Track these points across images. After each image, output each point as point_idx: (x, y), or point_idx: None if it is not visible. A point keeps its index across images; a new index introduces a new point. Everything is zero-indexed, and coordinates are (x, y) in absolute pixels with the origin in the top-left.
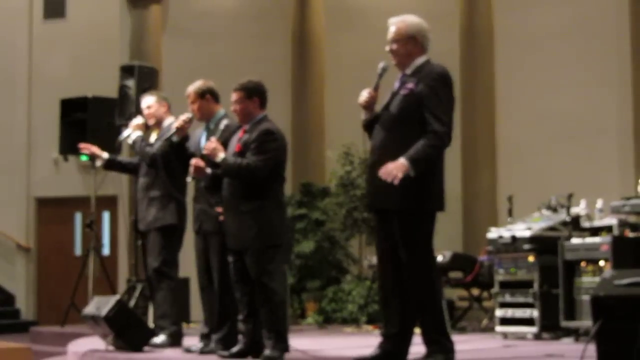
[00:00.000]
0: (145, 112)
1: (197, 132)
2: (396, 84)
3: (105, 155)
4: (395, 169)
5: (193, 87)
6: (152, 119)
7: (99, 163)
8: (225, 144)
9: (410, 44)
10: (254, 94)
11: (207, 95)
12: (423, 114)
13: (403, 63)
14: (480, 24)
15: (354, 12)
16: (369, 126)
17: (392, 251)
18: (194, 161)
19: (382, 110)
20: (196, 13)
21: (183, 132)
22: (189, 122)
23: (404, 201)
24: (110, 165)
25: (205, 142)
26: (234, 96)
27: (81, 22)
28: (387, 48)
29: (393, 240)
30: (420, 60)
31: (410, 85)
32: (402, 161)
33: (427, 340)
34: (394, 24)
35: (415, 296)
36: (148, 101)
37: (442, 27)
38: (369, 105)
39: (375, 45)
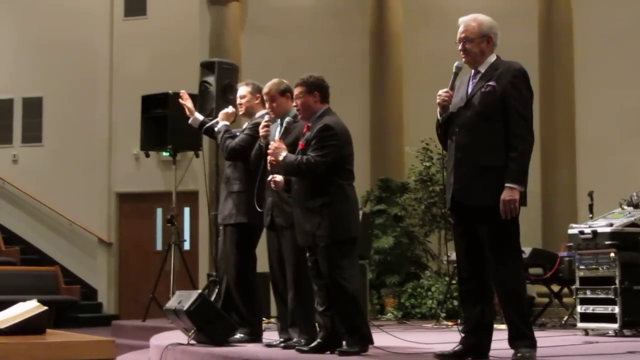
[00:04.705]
0: (238, 101)
1: (272, 127)
2: (470, 83)
3: (198, 116)
4: (510, 204)
5: (274, 86)
6: (243, 109)
7: (190, 120)
8: (294, 141)
9: (484, 42)
10: (314, 88)
11: (287, 94)
12: (504, 110)
13: (476, 61)
14: (560, 20)
15: (432, 9)
16: (443, 126)
17: (471, 246)
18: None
19: (460, 109)
20: (274, 10)
21: (267, 134)
22: (269, 124)
23: (500, 195)
24: (203, 128)
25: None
26: (296, 91)
27: (161, 20)
28: (459, 47)
29: (473, 236)
30: (492, 58)
31: (491, 82)
32: (508, 192)
33: (514, 333)
34: (466, 23)
35: (505, 289)
36: (242, 91)
37: (521, 23)
38: (448, 104)
39: (453, 42)
